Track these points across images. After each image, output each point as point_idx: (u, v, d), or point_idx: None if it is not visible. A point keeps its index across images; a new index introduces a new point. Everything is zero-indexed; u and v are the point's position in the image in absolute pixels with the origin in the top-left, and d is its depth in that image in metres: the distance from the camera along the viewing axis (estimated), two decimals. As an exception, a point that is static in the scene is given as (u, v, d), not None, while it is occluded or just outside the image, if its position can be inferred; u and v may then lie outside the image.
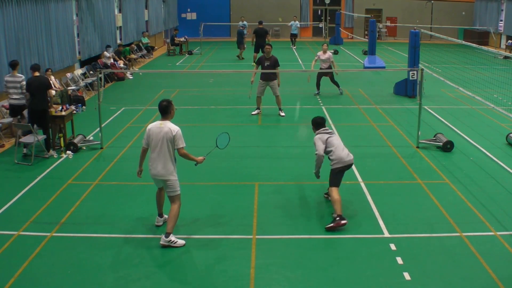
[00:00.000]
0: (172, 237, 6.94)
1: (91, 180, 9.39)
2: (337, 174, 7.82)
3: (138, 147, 11.52)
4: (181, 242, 6.98)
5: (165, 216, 7.55)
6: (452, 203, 8.38)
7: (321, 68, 16.40)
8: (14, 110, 11.38)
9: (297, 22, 31.37)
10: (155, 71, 22.67)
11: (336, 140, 7.92)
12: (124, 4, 24.37)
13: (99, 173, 9.75)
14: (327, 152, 7.84)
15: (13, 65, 11.32)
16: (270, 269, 6.45)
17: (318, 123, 8.15)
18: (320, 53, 16.24)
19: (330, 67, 16.13)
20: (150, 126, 7.00)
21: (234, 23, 34.50)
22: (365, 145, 11.37)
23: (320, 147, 7.79)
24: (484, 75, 17.64)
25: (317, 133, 8.02)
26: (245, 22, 30.80)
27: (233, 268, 6.45)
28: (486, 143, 11.53)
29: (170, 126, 6.85)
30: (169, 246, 6.92)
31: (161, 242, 6.94)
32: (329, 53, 16.18)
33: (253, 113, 14.12)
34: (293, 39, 31.00)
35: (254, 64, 23.32)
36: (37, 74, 10.86)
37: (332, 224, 7.46)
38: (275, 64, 13.65)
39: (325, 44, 16.59)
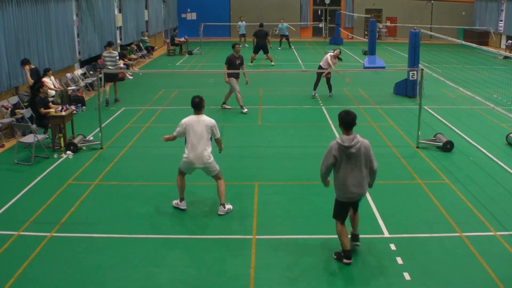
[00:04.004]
0: (228, 205, 8.04)
1: (91, 180, 9.39)
2: (339, 206, 6.48)
3: (138, 147, 11.50)
4: (229, 206, 8.10)
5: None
6: (452, 203, 8.38)
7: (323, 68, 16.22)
8: (109, 78, 15.14)
9: (285, 24, 30.18)
10: (155, 71, 22.67)
11: (348, 164, 6.09)
12: (124, 4, 24.36)
13: (99, 173, 9.75)
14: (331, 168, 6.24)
15: (110, 44, 15.90)
16: (270, 269, 6.45)
17: (343, 123, 6.10)
18: (331, 57, 15.74)
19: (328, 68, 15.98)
20: (186, 120, 7.81)
21: (234, 23, 34.46)
22: (365, 145, 11.35)
23: (325, 163, 6.12)
24: (484, 75, 17.63)
25: (337, 140, 6.11)
26: (243, 22, 30.69)
27: (233, 268, 6.45)
28: (486, 143, 11.53)
29: (207, 119, 7.83)
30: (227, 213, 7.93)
31: (219, 213, 7.94)
32: (336, 60, 15.82)
33: (244, 111, 14.38)
34: (283, 39, 30.01)
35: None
36: None
37: (335, 257, 6.66)
38: (243, 61, 14.46)
39: (338, 50, 16.01)
